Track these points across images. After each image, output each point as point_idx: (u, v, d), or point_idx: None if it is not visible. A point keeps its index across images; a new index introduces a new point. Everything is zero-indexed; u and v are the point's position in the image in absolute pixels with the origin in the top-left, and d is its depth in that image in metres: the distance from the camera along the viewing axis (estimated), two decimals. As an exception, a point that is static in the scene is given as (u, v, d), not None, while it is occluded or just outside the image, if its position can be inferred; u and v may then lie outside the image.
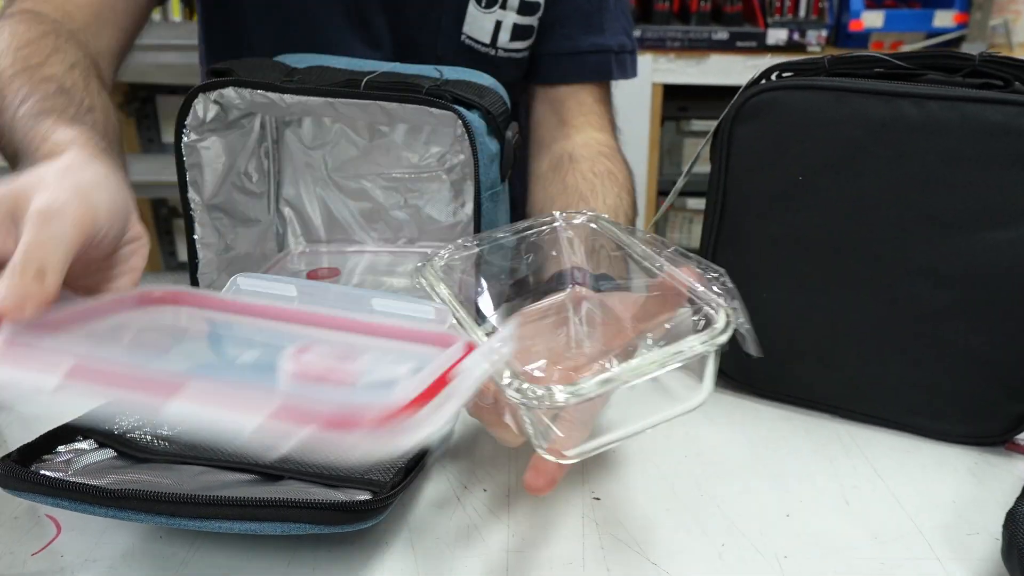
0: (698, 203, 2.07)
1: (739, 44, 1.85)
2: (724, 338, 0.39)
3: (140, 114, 2.14)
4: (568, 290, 0.51)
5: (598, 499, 0.54)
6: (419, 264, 0.45)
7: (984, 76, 0.56)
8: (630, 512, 0.53)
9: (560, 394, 0.35)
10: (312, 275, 0.70)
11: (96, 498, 0.44)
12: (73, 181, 0.39)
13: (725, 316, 0.39)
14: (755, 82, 0.62)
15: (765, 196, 0.60)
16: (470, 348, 0.37)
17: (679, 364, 0.38)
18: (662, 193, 2.03)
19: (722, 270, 0.42)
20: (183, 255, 2.30)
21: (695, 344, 0.38)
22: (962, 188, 0.55)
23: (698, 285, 0.43)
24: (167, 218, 2.27)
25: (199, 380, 0.29)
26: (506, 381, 0.36)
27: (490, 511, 0.53)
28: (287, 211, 0.76)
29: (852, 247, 0.58)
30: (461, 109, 0.60)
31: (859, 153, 0.57)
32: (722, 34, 1.85)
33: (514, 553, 0.49)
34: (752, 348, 0.41)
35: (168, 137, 2.20)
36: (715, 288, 0.41)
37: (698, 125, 2.00)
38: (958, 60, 0.57)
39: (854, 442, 0.60)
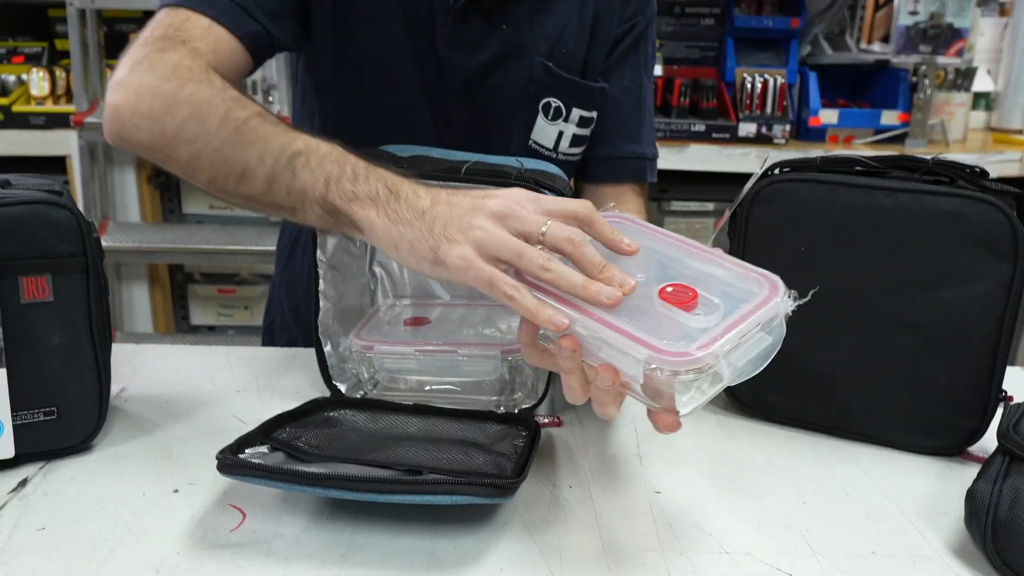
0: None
1: (714, 135, 2.08)
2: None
3: (164, 186, 2.29)
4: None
5: (659, 493, 0.69)
6: None
7: (936, 174, 0.75)
8: (686, 502, 0.68)
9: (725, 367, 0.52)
10: (407, 323, 0.86)
11: (310, 480, 0.58)
12: None
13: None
14: (763, 176, 0.81)
15: (777, 264, 0.78)
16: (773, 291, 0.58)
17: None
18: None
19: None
20: (196, 319, 2.44)
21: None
22: (925, 258, 0.73)
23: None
24: (182, 283, 2.40)
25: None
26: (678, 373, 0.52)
27: (580, 502, 0.68)
28: (379, 271, 0.91)
29: (844, 303, 0.76)
30: (544, 191, 0.77)
31: (846, 231, 0.76)
32: (699, 126, 2.08)
33: (606, 529, 0.64)
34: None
35: (189, 208, 2.34)
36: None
37: (676, 205, 2.22)
38: (916, 162, 0.77)
39: (848, 454, 0.77)
